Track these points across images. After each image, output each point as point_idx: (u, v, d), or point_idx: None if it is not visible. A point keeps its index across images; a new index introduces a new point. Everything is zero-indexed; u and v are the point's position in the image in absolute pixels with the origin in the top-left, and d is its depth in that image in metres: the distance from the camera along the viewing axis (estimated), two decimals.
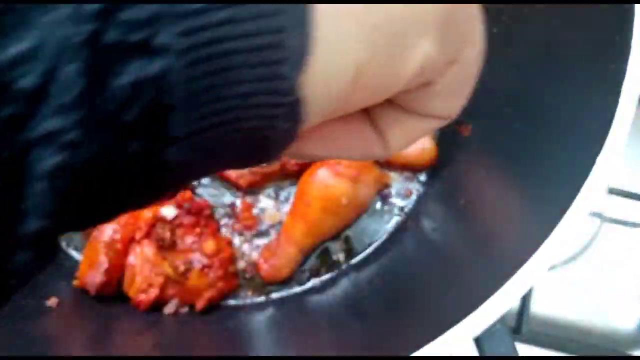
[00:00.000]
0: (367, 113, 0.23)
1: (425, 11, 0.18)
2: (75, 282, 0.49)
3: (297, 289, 0.52)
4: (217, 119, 0.16)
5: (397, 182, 0.55)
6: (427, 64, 0.19)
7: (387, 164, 0.54)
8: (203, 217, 0.51)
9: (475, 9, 0.21)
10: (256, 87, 0.16)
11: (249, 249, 0.53)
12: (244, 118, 0.16)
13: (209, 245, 0.50)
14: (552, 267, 0.33)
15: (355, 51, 0.17)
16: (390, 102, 0.22)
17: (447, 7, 0.19)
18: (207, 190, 0.54)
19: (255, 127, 0.17)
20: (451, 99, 0.22)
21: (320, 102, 0.18)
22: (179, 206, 0.50)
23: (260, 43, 0.16)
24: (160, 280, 0.48)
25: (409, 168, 0.55)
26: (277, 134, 0.17)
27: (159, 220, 0.50)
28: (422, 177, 0.56)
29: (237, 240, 0.53)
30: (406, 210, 0.55)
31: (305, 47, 0.16)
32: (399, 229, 0.54)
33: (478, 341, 0.37)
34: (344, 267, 0.53)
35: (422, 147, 0.54)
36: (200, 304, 0.50)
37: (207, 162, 0.17)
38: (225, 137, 0.16)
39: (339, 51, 0.17)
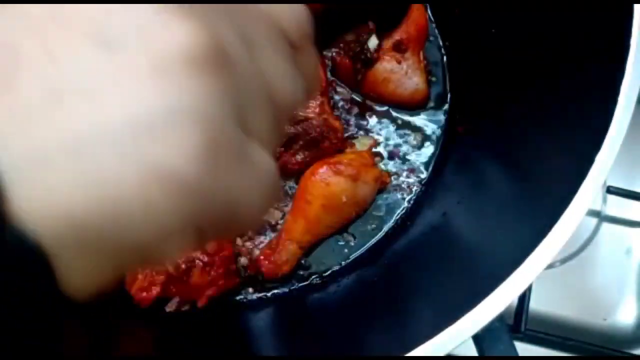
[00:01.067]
0: None
1: (164, 228, 0.17)
2: None
3: (298, 286, 0.53)
4: None
5: (396, 180, 0.56)
6: (183, 251, 0.19)
7: (382, 100, 0.56)
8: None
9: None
10: None
11: (250, 247, 0.53)
12: None
13: (210, 243, 0.50)
14: (551, 266, 0.33)
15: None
16: None
17: (196, 212, 0.18)
18: None
19: None
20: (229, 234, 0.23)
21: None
22: None
23: None
24: (161, 278, 0.48)
25: (404, 106, 0.56)
26: None
27: None
28: (422, 175, 0.56)
29: (238, 239, 0.53)
30: (406, 208, 0.55)
31: None
32: (399, 227, 0.54)
33: (477, 339, 0.37)
34: (343, 264, 0.53)
35: (415, 87, 0.55)
36: (201, 302, 0.50)
37: None
38: None
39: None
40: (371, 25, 0.54)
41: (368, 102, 0.57)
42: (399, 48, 0.54)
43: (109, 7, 0.17)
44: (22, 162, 0.15)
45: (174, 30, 0.17)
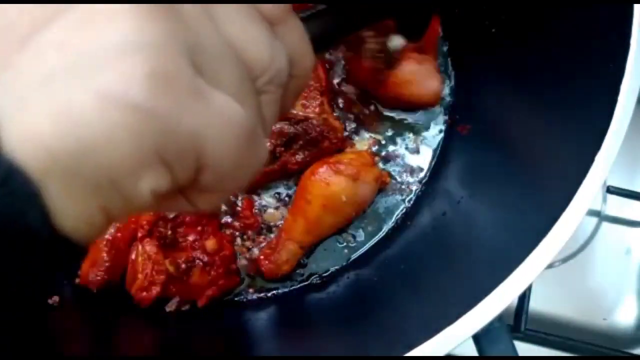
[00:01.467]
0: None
1: (130, 155, 0.19)
2: (77, 280, 0.49)
3: (298, 286, 0.53)
4: None
5: (396, 180, 0.56)
6: (160, 190, 0.20)
7: (400, 100, 0.55)
8: (204, 216, 0.51)
9: (198, 120, 0.20)
10: None
11: (250, 247, 0.53)
12: None
13: (210, 243, 0.50)
14: (551, 265, 0.33)
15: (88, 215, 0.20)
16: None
17: (156, 140, 0.19)
18: None
19: None
20: (216, 192, 0.23)
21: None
22: None
23: None
24: (161, 278, 0.48)
25: (420, 105, 0.56)
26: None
27: (160, 218, 0.50)
28: (422, 175, 0.56)
29: (238, 238, 0.53)
30: (405, 207, 0.55)
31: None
32: (399, 227, 0.54)
33: (477, 339, 0.37)
34: (343, 264, 0.53)
35: (434, 88, 0.55)
36: (201, 302, 0.50)
37: None
38: None
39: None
40: (391, 24, 0.54)
41: (373, 102, 0.57)
42: (421, 49, 0.54)
43: None
44: (5, 100, 0.18)
45: None
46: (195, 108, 0.20)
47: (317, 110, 0.52)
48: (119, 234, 0.49)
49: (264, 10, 0.24)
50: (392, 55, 0.53)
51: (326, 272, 0.53)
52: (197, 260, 0.50)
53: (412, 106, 0.57)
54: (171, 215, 0.50)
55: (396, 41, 0.51)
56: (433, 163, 0.56)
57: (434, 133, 0.57)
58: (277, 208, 0.54)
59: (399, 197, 0.55)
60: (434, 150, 0.56)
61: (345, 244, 0.54)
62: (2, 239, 0.18)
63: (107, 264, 0.48)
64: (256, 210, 0.54)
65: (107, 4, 0.19)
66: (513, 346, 0.37)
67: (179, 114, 0.19)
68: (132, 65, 0.18)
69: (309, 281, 0.53)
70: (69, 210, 0.19)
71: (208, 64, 0.21)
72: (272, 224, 0.54)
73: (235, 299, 0.52)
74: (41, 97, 0.18)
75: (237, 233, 0.54)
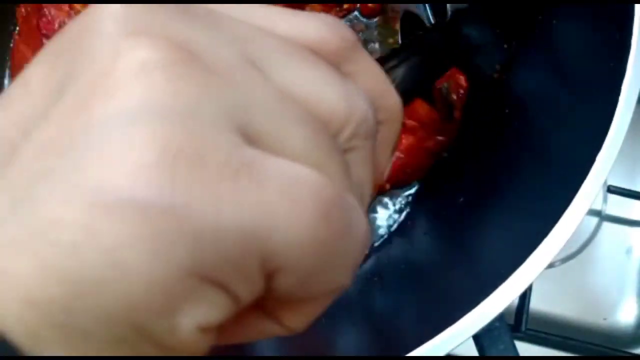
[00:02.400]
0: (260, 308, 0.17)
1: (151, 287, 0.12)
2: None
3: None
4: None
5: (396, 180, 0.56)
6: (213, 322, 0.14)
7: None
8: None
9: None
10: None
11: None
12: None
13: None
14: (551, 265, 0.33)
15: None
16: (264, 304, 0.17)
17: (190, 252, 0.13)
18: None
19: None
20: (308, 301, 0.17)
21: None
22: None
23: None
24: None
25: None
26: None
27: None
28: (422, 175, 0.56)
29: None
30: (405, 208, 0.55)
31: None
32: (398, 228, 0.54)
33: (477, 339, 0.37)
34: None
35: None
36: None
37: None
38: None
39: None
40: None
41: None
42: None
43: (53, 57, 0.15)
44: None
45: (131, 51, 0.14)
46: (244, 189, 0.13)
47: None
48: None
49: (325, 50, 0.17)
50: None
51: None
52: None
53: None
54: None
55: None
56: (433, 163, 0.56)
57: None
58: None
59: (398, 197, 0.55)
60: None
61: None
62: None
63: None
64: None
65: (107, 77, 0.14)
66: (514, 346, 0.37)
67: (219, 204, 0.13)
68: (134, 146, 0.13)
69: None
70: None
71: (262, 126, 0.15)
72: None
73: None
74: (12, 225, 0.12)
75: None
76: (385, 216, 0.55)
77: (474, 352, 0.37)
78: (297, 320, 0.17)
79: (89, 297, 0.12)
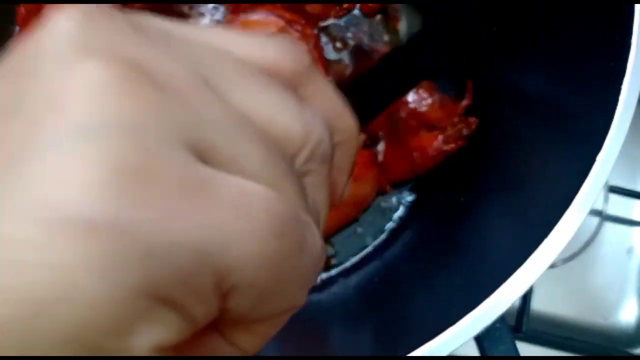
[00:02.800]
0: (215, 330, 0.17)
1: (103, 308, 0.12)
2: None
3: None
4: None
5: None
6: (168, 342, 0.14)
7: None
8: None
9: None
10: None
11: None
12: None
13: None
14: (552, 266, 0.33)
15: None
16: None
17: (142, 271, 0.12)
18: None
19: None
20: (262, 321, 0.17)
21: None
22: None
23: None
24: None
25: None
26: None
27: None
28: (422, 174, 0.56)
29: None
30: (406, 208, 0.55)
31: None
32: (399, 227, 0.54)
33: (478, 339, 0.37)
34: (343, 265, 0.53)
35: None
36: None
37: None
38: None
39: None
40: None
41: None
42: None
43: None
44: None
45: (82, 71, 0.14)
46: (196, 206, 0.13)
47: None
48: None
49: (282, 72, 0.18)
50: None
51: (325, 273, 0.53)
52: None
53: None
54: None
55: None
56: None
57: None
58: None
59: (399, 197, 0.55)
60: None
61: (344, 244, 0.54)
62: None
63: None
64: None
65: (58, 97, 0.13)
66: (515, 346, 0.37)
67: (170, 221, 0.13)
68: (85, 163, 0.12)
69: None
70: None
71: (215, 143, 0.15)
72: None
73: None
74: None
75: None
76: (386, 216, 0.55)
77: (475, 353, 0.37)
78: (251, 341, 0.17)
79: (39, 317, 0.12)
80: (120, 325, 0.13)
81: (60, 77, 0.14)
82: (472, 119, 0.51)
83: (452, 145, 0.51)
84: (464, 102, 0.52)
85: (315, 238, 0.16)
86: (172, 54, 0.15)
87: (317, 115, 0.18)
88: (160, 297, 0.13)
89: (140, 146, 0.13)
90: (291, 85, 0.18)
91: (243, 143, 0.15)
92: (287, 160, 0.16)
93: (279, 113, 0.16)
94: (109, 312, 0.12)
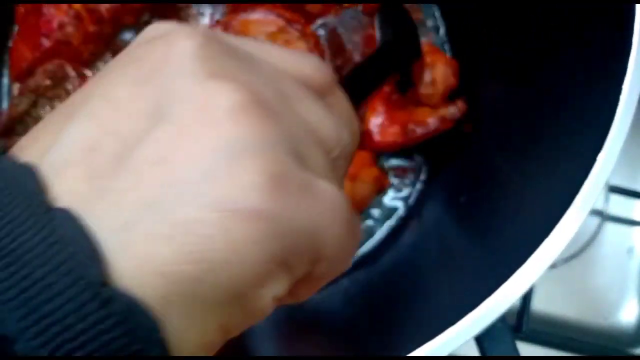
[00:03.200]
0: None
1: (255, 267, 0.18)
2: None
3: None
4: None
5: (396, 179, 0.55)
6: (281, 294, 0.19)
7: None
8: None
9: (319, 223, 0.19)
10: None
11: None
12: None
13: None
14: (553, 266, 0.33)
15: (205, 333, 0.18)
16: None
17: (279, 245, 0.18)
18: None
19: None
20: (321, 280, 0.22)
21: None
22: None
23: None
24: None
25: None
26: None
27: None
28: (422, 175, 0.56)
29: None
30: (406, 208, 0.55)
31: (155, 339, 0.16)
32: (399, 228, 0.54)
33: (479, 339, 0.37)
34: None
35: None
36: None
37: None
38: None
39: (193, 335, 0.17)
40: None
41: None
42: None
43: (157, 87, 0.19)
44: (107, 232, 0.17)
45: (218, 93, 0.19)
46: (307, 202, 0.19)
47: None
48: None
49: (314, 84, 0.23)
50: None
51: None
52: None
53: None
54: None
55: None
56: (434, 162, 0.56)
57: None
58: None
59: (398, 197, 0.55)
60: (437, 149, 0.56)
61: None
62: None
63: None
64: None
65: (204, 112, 0.18)
66: (515, 346, 0.37)
67: (295, 213, 0.18)
68: (247, 171, 0.17)
69: None
70: (188, 336, 0.17)
71: (305, 153, 0.20)
72: None
73: None
74: (150, 220, 0.17)
75: None
76: (385, 216, 0.55)
77: (476, 353, 0.37)
78: (306, 292, 0.22)
79: (213, 272, 0.17)
80: (258, 281, 0.18)
81: (202, 97, 0.18)
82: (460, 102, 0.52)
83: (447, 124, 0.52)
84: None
85: (358, 220, 0.22)
86: (259, 74, 0.20)
87: (342, 121, 0.23)
88: (282, 263, 0.18)
89: (278, 159, 0.18)
90: (321, 94, 0.23)
91: (314, 149, 0.21)
92: (329, 159, 0.22)
93: (323, 120, 0.22)
94: (254, 272, 0.18)
